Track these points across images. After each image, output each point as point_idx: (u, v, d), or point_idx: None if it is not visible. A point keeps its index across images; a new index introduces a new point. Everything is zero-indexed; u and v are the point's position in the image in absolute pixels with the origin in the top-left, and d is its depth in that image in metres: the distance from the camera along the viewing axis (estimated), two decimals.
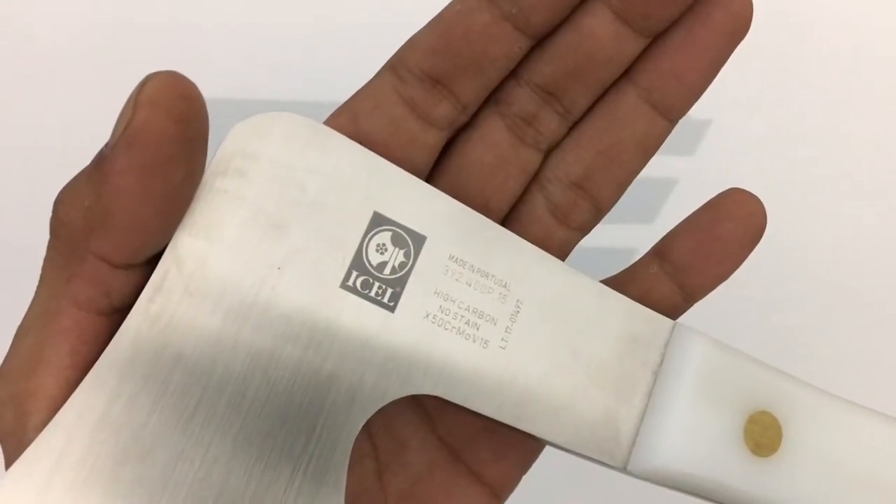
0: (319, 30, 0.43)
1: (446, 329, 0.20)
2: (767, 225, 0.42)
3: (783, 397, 0.21)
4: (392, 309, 0.20)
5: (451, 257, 0.20)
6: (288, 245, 0.20)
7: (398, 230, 0.20)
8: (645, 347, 0.21)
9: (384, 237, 0.20)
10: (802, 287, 0.42)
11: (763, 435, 0.21)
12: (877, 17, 0.44)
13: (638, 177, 0.43)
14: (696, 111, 0.44)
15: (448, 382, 0.20)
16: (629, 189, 0.43)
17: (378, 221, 0.20)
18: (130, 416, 0.18)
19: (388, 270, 0.20)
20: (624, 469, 0.21)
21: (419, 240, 0.20)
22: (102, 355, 0.19)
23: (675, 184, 0.43)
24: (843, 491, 0.20)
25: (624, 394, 0.21)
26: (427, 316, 0.20)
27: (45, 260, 0.20)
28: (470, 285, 0.20)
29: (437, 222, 0.20)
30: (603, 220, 0.44)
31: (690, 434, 0.20)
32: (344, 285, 0.20)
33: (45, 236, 0.20)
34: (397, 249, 0.20)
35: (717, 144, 0.43)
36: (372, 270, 0.20)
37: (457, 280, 0.20)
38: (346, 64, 0.43)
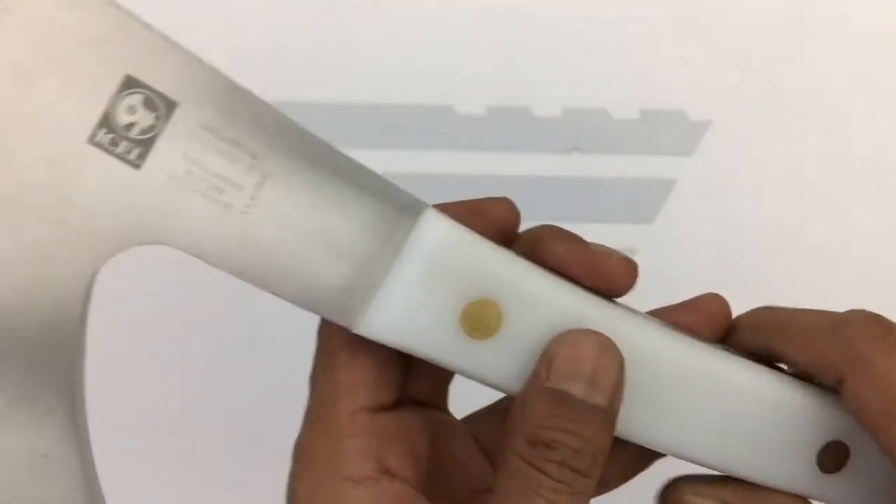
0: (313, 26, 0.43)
1: (190, 190, 0.21)
2: (767, 224, 0.42)
3: (506, 285, 0.22)
4: (137, 167, 0.21)
5: (202, 125, 0.21)
6: (39, 99, 0.20)
7: (150, 94, 0.21)
8: (391, 226, 0.22)
9: (135, 99, 0.21)
10: (802, 286, 0.42)
11: (480, 320, 0.22)
12: (877, 17, 0.44)
13: (638, 177, 0.43)
14: (697, 111, 0.44)
15: (188, 239, 0.21)
16: (629, 189, 0.43)
17: (130, 83, 0.21)
18: None
19: (136, 131, 0.21)
20: (353, 329, 0.22)
21: (171, 105, 0.21)
22: None
23: (674, 184, 0.43)
24: None
25: (362, 267, 0.22)
26: (172, 177, 0.21)
27: None
28: (219, 153, 0.21)
29: (192, 89, 0.21)
30: (603, 220, 0.44)
31: (410, 311, 0.22)
32: (91, 141, 0.21)
33: None
34: (148, 112, 0.21)
35: (717, 144, 0.43)
36: (120, 130, 0.21)
37: (205, 146, 0.21)
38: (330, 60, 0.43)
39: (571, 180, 0.43)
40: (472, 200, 0.25)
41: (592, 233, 0.42)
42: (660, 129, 0.43)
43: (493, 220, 0.24)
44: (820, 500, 0.25)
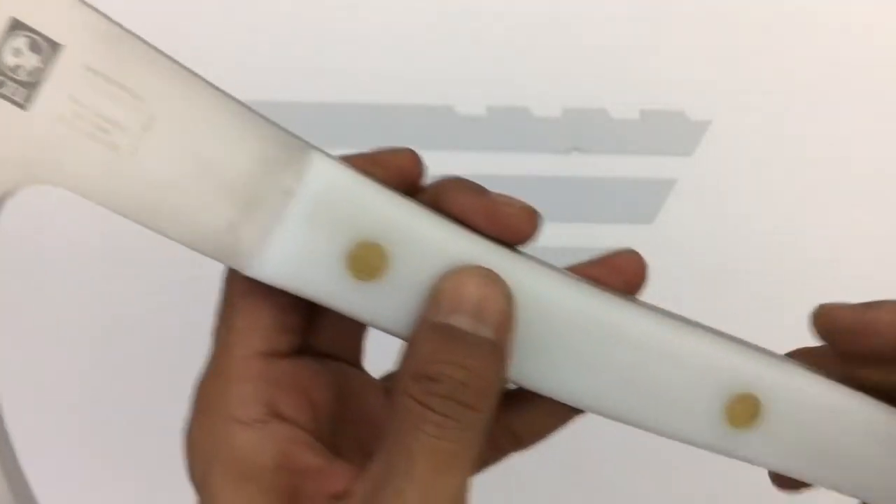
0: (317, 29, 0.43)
1: (77, 131, 0.22)
2: (767, 224, 0.42)
3: (393, 227, 0.22)
4: (24, 108, 0.22)
5: (87, 67, 0.22)
6: None
7: (35, 36, 0.22)
8: (279, 169, 0.22)
9: (21, 42, 0.21)
10: (802, 286, 0.42)
11: (366, 262, 0.22)
12: (877, 17, 0.44)
13: (638, 177, 0.43)
14: (697, 111, 0.44)
15: (77, 180, 0.22)
16: (629, 189, 0.43)
17: (15, 26, 0.21)
18: None
19: (22, 73, 0.22)
20: (244, 271, 0.22)
21: (56, 47, 0.22)
22: None
23: (674, 184, 0.43)
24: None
25: (250, 209, 0.22)
26: (59, 118, 0.22)
27: None
28: (105, 94, 0.22)
29: (77, 32, 0.22)
30: (603, 221, 0.44)
31: (298, 253, 0.22)
32: None
33: None
34: (33, 54, 0.22)
35: (717, 145, 0.43)
36: (6, 71, 0.21)
37: (92, 88, 0.22)
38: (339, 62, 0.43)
39: (571, 180, 0.43)
40: (375, 151, 0.25)
41: (592, 233, 0.42)
42: (660, 129, 0.43)
43: (394, 170, 0.24)
44: (729, 456, 0.24)
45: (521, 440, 0.26)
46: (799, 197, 0.43)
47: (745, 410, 0.24)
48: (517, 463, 0.41)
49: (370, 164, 0.23)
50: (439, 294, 0.21)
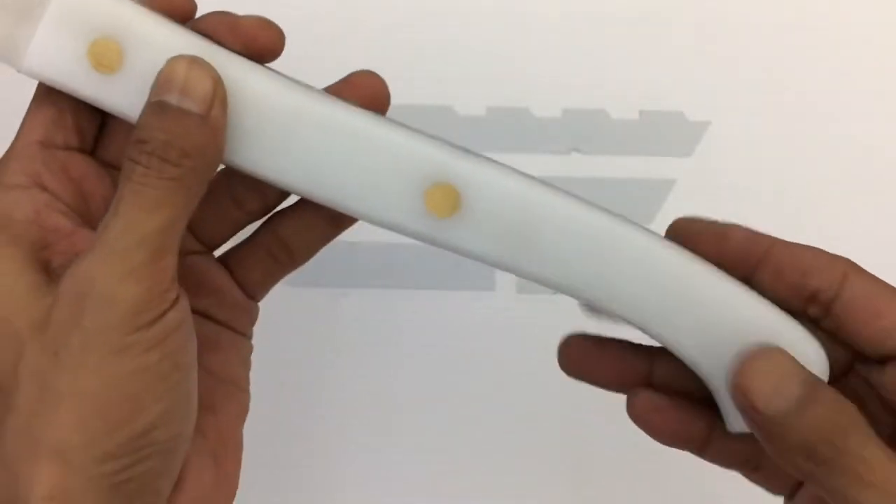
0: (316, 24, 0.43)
1: None
2: (766, 225, 0.42)
3: (125, 26, 0.26)
4: None
5: None
6: None
7: None
8: None
9: None
10: None
11: (103, 55, 0.26)
12: (877, 17, 0.44)
13: (637, 177, 0.43)
14: (696, 111, 0.44)
15: None
16: (628, 189, 0.43)
17: None
18: None
19: None
20: (20, 71, 0.26)
21: None
22: None
23: (673, 184, 0.43)
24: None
25: (19, 18, 0.26)
26: None
27: None
28: None
29: None
30: None
31: (52, 51, 0.26)
32: None
33: None
34: None
35: (717, 144, 0.43)
36: None
37: None
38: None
39: (571, 181, 0.43)
40: None
41: None
42: (659, 129, 0.43)
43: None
44: (436, 245, 0.26)
45: (293, 253, 0.30)
46: (798, 197, 0.43)
47: (444, 199, 0.26)
48: (518, 463, 0.42)
49: None
50: (157, 77, 0.25)
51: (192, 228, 0.29)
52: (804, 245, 0.27)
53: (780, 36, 0.44)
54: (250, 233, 0.30)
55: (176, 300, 0.25)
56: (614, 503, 0.42)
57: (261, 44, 0.28)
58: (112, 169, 0.29)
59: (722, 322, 0.26)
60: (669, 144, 0.43)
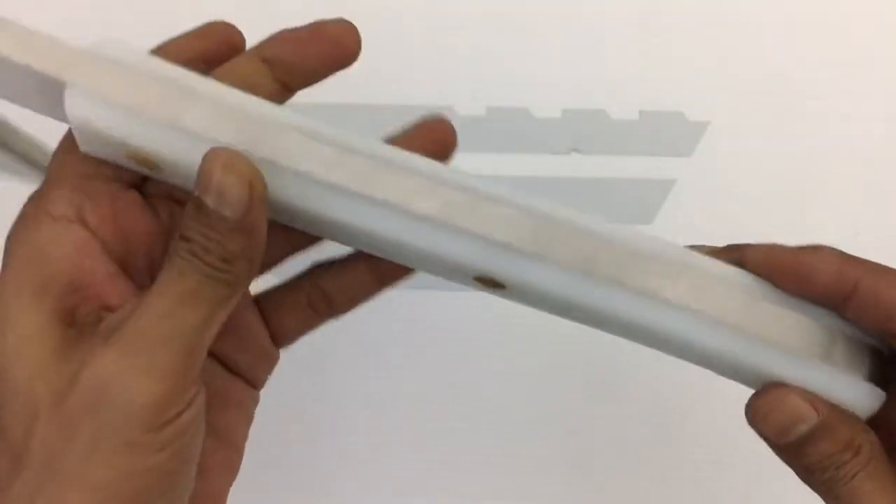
0: None
1: None
2: (766, 224, 0.42)
3: (148, 145, 0.25)
4: None
5: None
6: None
7: None
8: (56, 99, 0.25)
9: None
10: None
11: (142, 160, 0.25)
12: (877, 17, 0.44)
13: (637, 177, 0.43)
14: (696, 111, 0.44)
15: None
16: (628, 189, 0.43)
17: None
18: None
19: None
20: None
21: None
22: None
23: (673, 184, 0.43)
24: None
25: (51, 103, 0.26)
26: None
27: None
28: None
29: None
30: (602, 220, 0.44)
31: (92, 147, 0.26)
32: None
33: None
34: None
35: (717, 144, 0.43)
36: None
37: None
38: None
39: (571, 181, 0.43)
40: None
41: None
42: (659, 129, 0.43)
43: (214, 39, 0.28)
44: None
45: (334, 305, 0.29)
46: (798, 197, 0.43)
47: (491, 283, 0.26)
48: (518, 463, 0.42)
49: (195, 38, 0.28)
50: (198, 174, 0.24)
51: None
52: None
53: (780, 36, 0.44)
54: (285, 274, 0.30)
55: (194, 398, 0.24)
56: (614, 503, 0.42)
57: (343, 48, 0.27)
58: (159, 201, 0.28)
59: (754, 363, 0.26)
60: (669, 144, 0.43)
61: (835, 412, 0.25)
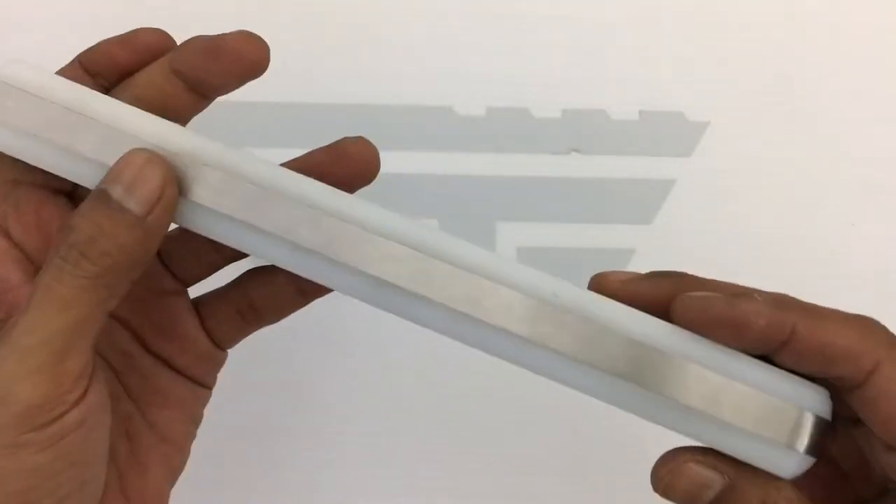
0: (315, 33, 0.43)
1: None
2: (766, 224, 0.42)
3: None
4: None
5: None
6: None
7: None
8: None
9: None
10: (801, 287, 0.42)
11: None
12: (876, 17, 0.44)
13: (637, 177, 0.43)
14: (696, 111, 0.44)
15: None
16: (628, 190, 0.43)
17: None
18: None
19: None
20: None
21: None
22: None
23: (673, 184, 0.43)
24: None
25: None
26: None
27: None
28: None
29: None
30: (602, 221, 0.44)
31: None
32: None
33: None
34: None
35: (716, 145, 0.43)
36: None
37: None
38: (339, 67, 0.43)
39: (570, 181, 0.43)
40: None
41: (592, 233, 0.42)
42: (659, 130, 0.43)
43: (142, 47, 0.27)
44: None
45: (261, 314, 0.29)
46: (798, 197, 0.43)
47: None
48: (518, 463, 0.42)
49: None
50: (111, 168, 0.24)
51: (168, 265, 0.29)
52: (833, 320, 0.24)
53: (780, 36, 0.44)
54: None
55: (79, 399, 0.24)
56: (614, 503, 0.42)
57: (246, 62, 0.27)
58: None
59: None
60: (669, 144, 0.43)
61: (743, 473, 0.24)
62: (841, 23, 0.44)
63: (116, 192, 0.23)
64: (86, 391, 0.24)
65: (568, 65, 0.43)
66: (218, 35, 0.26)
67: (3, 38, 0.42)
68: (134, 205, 0.23)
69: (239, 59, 0.26)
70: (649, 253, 0.42)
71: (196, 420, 0.30)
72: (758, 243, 0.43)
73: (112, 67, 0.27)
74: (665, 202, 0.43)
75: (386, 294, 0.25)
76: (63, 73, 0.27)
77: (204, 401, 0.30)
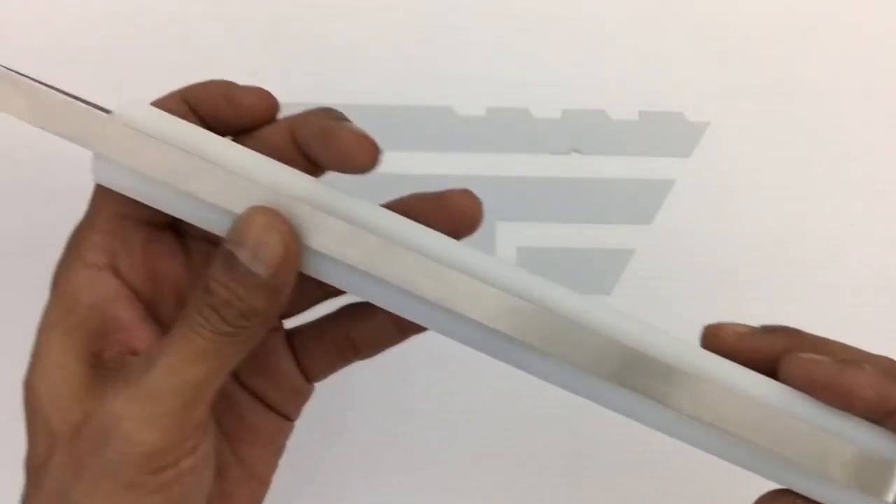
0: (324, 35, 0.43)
1: None
2: (766, 224, 0.42)
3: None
4: None
5: None
6: None
7: None
8: None
9: None
10: (801, 287, 0.43)
11: None
12: (877, 17, 0.44)
13: (637, 177, 0.43)
14: (696, 111, 0.44)
15: None
16: (628, 190, 0.43)
17: None
18: None
19: None
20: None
21: None
22: None
23: (673, 185, 0.43)
24: None
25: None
26: None
27: None
28: None
29: None
30: (601, 221, 0.44)
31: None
32: None
33: None
34: None
35: (716, 145, 0.43)
36: None
37: None
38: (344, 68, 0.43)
39: (570, 181, 0.43)
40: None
41: (591, 233, 0.42)
42: (658, 130, 0.43)
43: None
44: None
45: (358, 349, 0.30)
46: (798, 197, 0.43)
47: None
48: (518, 463, 0.42)
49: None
50: (234, 224, 0.25)
51: None
52: None
53: (779, 36, 0.44)
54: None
55: (196, 447, 0.25)
56: (614, 503, 0.42)
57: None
58: (194, 241, 0.28)
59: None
60: (669, 144, 0.43)
61: None
62: (841, 23, 0.44)
63: (244, 255, 0.24)
64: (201, 440, 0.25)
65: (568, 65, 0.43)
66: (337, 127, 0.27)
67: (3, 39, 0.42)
68: (261, 268, 0.24)
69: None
70: (649, 253, 0.42)
71: (281, 453, 0.31)
72: (758, 243, 0.43)
73: (217, 121, 0.27)
74: (665, 202, 0.43)
75: (501, 343, 0.26)
76: (168, 106, 0.27)
77: (289, 434, 0.31)
